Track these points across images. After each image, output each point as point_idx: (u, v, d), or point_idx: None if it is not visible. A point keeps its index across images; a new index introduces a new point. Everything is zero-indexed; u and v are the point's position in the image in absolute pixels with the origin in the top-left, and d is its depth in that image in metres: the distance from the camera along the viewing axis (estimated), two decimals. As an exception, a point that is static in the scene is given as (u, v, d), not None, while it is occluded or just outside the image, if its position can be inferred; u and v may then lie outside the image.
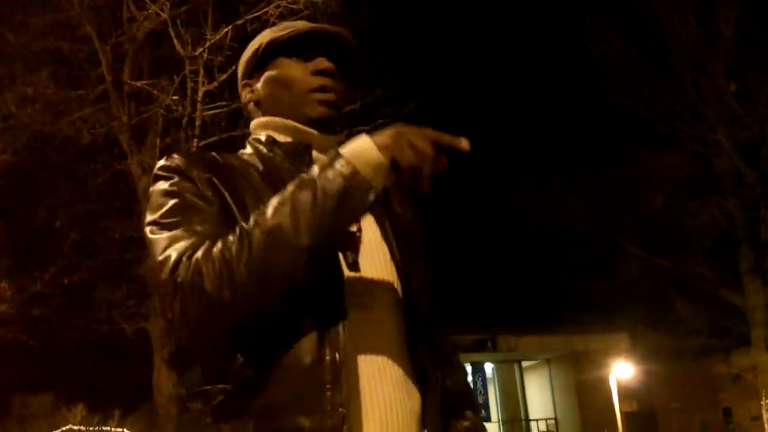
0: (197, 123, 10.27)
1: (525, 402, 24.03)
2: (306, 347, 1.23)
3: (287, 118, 1.46)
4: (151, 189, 1.36)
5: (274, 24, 10.38)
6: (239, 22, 10.20)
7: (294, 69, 1.46)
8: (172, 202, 1.29)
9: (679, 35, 15.45)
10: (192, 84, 10.14)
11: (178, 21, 10.06)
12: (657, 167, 15.89)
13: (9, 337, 10.79)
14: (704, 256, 15.86)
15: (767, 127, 15.10)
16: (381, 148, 1.21)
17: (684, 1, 15.26)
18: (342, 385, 1.22)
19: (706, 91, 15.45)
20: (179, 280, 1.18)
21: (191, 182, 1.32)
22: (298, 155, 1.42)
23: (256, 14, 10.25)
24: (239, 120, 10.84)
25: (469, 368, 23.61)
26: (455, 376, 1.47)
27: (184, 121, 10.30)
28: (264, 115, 1.50)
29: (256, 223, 1.20)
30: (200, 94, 10.22)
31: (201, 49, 10.04)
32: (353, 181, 1.20)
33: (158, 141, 10.60)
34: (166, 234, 1.25)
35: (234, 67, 10.34)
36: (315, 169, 1.22)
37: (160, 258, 1.21)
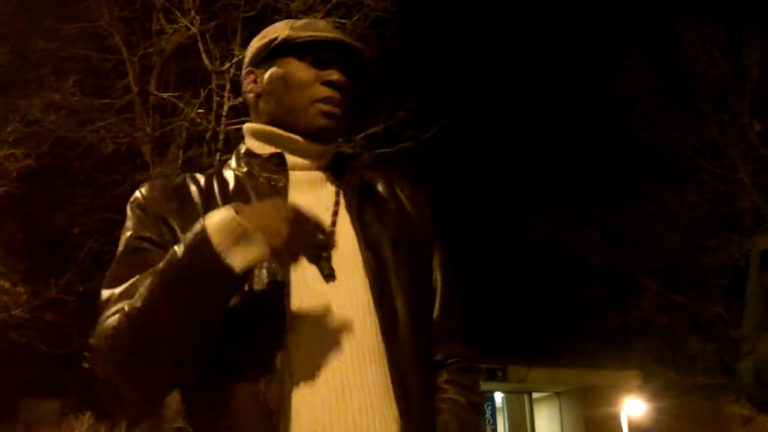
0: (221, 137, 10.29)
1: (534, 433, 23.80)
2: (244, 392, 1.22)
3: (283, 119, 1.44)
4: None
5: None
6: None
7: (304, 73, 1.43)
8: (120, 250, 1.35)
9: (704, 72, 15.42)
10: (218, 98, 10.18)
11: (207, 36, 10.12)
12: (676, 203, 15.80)
13: (23, 341, 10.80)
14: (720, 294, 15.72)
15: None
16: (244, 219, 1.16)
17: (710, 39, 15.24)
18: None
19: (730, 129, 15.39)
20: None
21: (145, 223, 1.36)
22: (273, 163, 1.42)
23: (285, 32, 10.30)
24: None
25: (479, 397, 23.41)
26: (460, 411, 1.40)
27: (208, 135, 10.32)
28: (261, 109, 1.49)
29: (124, 309, 1.20)
30: (225, 108, 10.24)
31: (228, 65, 10.09)
32: (202, 251, 1.15)
33: (181, 153, 10.62)
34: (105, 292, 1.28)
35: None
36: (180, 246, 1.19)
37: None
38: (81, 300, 11.26)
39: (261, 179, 1.41)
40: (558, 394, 23.50)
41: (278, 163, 1.43)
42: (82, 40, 10.95)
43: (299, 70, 1.43)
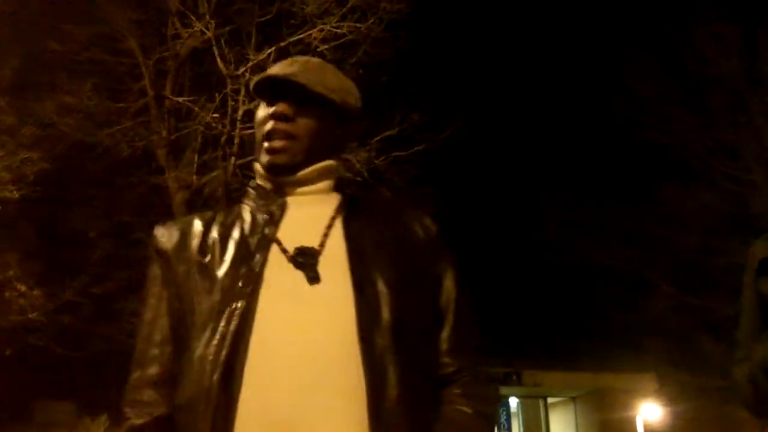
0: (236, 141, 10.32)
1: (549, 438, 23.67)
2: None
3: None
4: None
5: (316, 47, 10.45)
6: (282, 44, 10.27)
7: (262, 112, 1.51)
8: (142, 312, 1.49)
9: (719, 73, 15.32)
10: (233, 103, 10.20)
11: (222, 40, 10.15)
12: (690, 205, 15.71)
13: (39, 344, 10.84)
14: (734, 296, 15.61)
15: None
16: None
17: (725, 40, 15.15)
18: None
19: (745, 131, 15.30)
20: None
21: (159, 263, 1.48)
22: (269, 194, 1.50)
23: (299, 37, 10.32)
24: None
25: (494, 401, 23.23)
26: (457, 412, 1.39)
27: (223, 139, 10.35)
28: None
29: None
30: (240, 113, 10.27)
31: (243, 69, 10.11)
32: None
33: (196, 157, 10.67)
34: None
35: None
36: None
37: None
38: (96, 302, 11.31)
39: (259, 212, 1.47)
40: (573, 399, 23.35)
41: (277, 192, 1.50)
42: (96, 44, 10.98)
43: (260, 110, 1.52)
